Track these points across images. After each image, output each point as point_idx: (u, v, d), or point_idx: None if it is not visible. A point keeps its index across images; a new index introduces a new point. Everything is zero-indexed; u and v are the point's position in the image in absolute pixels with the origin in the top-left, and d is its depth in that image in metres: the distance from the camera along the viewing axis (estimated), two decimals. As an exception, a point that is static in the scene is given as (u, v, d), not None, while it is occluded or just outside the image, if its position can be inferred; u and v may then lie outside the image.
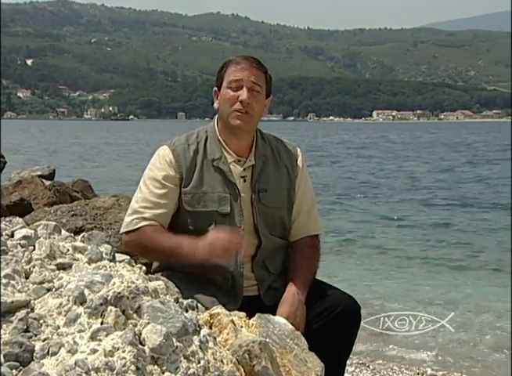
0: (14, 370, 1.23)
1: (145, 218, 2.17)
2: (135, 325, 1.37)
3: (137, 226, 2.17)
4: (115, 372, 1.24)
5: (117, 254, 1.77)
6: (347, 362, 2.36)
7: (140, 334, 1.35)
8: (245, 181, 2.25)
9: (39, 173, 6.98)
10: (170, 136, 2.78)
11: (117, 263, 1.67)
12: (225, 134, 2.26)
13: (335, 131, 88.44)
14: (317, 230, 2.38)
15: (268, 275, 2.25)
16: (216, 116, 2.31)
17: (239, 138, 2.25)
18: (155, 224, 2.17)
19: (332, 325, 2.12)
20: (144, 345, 1.33)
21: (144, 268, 1.80)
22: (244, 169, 2.25)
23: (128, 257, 1.81)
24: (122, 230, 2.23)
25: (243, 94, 2.17)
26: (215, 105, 2.29)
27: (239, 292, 2.19)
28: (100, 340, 1.30)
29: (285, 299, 2.14)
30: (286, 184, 2.31)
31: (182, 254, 2.09)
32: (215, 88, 2.29)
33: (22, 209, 4.69)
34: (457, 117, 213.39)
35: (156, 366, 1.32)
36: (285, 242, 2.35)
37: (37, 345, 1.29)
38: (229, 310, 2.00)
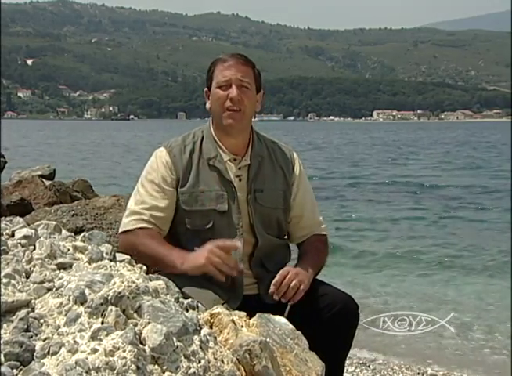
0: (14, 370, 1.23)
1: (143, 220, 2.18)
2: (136, 325, 1.37)
3: (134, 227, 2.18)
4: (115, 372, 1.24)
5: (117, 254, 1.77)
6: (347, 362, 2.36)
7: (141, 333, 1.35)
8: (240, 180, 2.26)
9: (39, 173, 7.00)
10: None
11: (118, 263, 1.67)
12: (219, 133, 2.28)
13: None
14: (324, 231, 2.42)
15: (267, 272, 2.25)
16: (211, 115, 2.33)
17: (233, 136, 2.27)
18: (151, 227, 2.18)
19: (330, 324, 2.12)
20: (144, 345, 1.33)
21: (144, 267, 1.80)
22: (240, 168, 2.27)
23: (129, 257, 1.81)
24: (120, 230, 2.24)
25: (233, 91, 2.19)
26: (207, 105, 2.31)
27: (240, 289, 2.19)
28: (101, 339, 1.30)
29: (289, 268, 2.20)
30: (282, 185, 2.33)
31: (169, 261, 2.08)
32: (206, 89, 2.31)
33: (22, 209, 4.69)
34: (457, 117, 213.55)
35: (156, 366, 1.32)
36: (282, 241, 2.36)
37: (38, 345, 1.29)
38: (231, 307, 2.01)
